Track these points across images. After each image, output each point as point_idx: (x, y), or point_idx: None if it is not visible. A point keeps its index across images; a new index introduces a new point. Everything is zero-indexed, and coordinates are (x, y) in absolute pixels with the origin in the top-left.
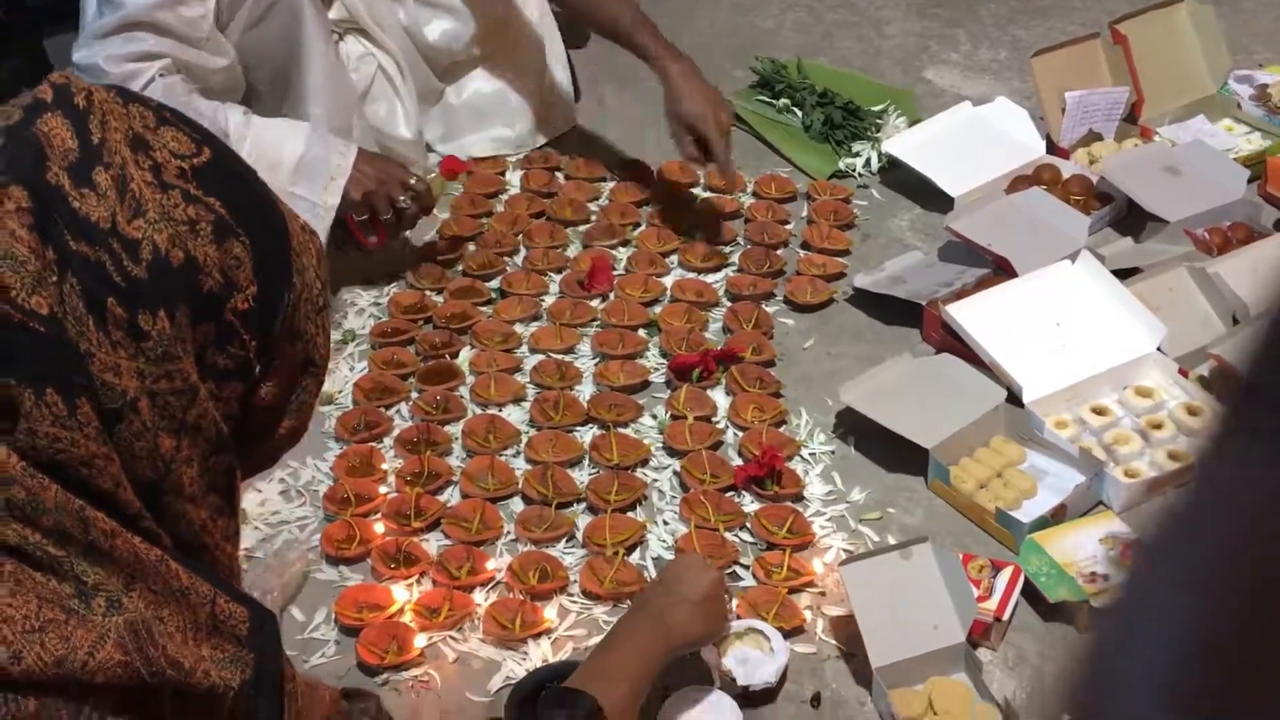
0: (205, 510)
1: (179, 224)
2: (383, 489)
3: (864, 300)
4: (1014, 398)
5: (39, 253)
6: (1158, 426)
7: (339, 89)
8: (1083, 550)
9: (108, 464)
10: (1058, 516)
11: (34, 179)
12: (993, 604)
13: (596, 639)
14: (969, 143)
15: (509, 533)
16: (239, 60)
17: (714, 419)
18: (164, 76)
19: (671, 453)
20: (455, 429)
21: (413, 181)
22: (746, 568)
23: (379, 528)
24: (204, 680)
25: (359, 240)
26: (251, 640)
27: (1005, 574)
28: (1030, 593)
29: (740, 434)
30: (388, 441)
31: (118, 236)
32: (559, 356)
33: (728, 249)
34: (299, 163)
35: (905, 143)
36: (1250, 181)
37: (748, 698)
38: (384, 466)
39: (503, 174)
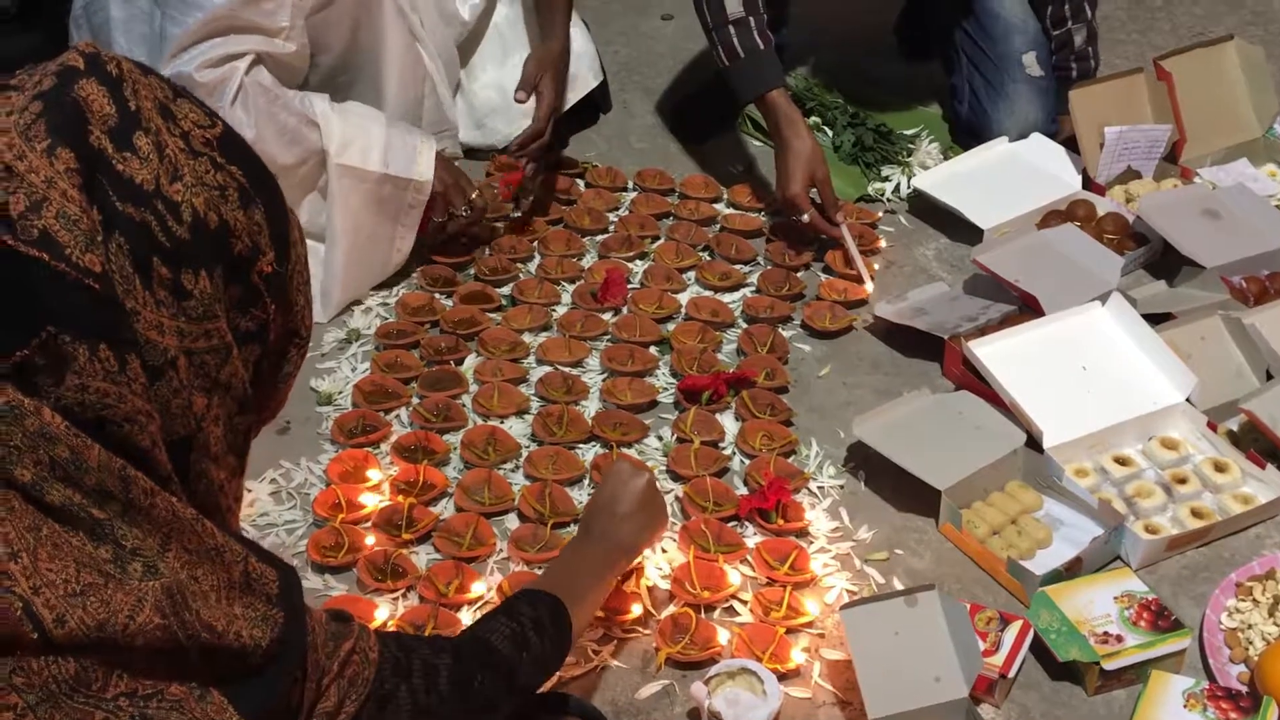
0: (224, 470)
1: (211, 189)
2: (375, 497)
3: (884, 330)
4: (1034, 442)
5: (88, 212)
6: (1182, 481)
7: (415, 65)
8: (1096, 608)
9: (149, 422)
10: (1072, 570)
11: (77, 142)
12: (999, 659)
13: (584, 667)
14: (1002, 176)
15: (501, 550)
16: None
17: (721, 444)
18: (248, 74)
19: (675, 477)
20: (455, 438)
21: (473, 196)
22: (745, 603)
23: (369, 539)
24: (235, 641)
25: None
26: (281, 599)
27: (1014, 628)
28: (1039, 649)
29: (747, 461)
30: (384, 447)
31: (162, 198)
32: (566, 369)
33: (746, 268)
34: (387, 144)
35: (935, 177)
36: None
37: None
38: (378, 474)
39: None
